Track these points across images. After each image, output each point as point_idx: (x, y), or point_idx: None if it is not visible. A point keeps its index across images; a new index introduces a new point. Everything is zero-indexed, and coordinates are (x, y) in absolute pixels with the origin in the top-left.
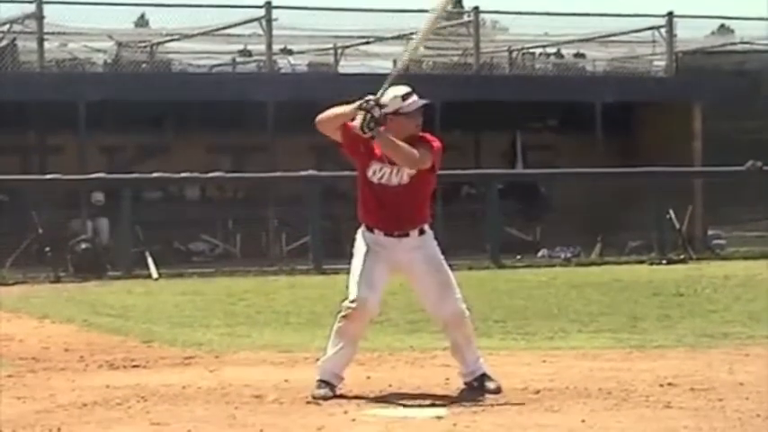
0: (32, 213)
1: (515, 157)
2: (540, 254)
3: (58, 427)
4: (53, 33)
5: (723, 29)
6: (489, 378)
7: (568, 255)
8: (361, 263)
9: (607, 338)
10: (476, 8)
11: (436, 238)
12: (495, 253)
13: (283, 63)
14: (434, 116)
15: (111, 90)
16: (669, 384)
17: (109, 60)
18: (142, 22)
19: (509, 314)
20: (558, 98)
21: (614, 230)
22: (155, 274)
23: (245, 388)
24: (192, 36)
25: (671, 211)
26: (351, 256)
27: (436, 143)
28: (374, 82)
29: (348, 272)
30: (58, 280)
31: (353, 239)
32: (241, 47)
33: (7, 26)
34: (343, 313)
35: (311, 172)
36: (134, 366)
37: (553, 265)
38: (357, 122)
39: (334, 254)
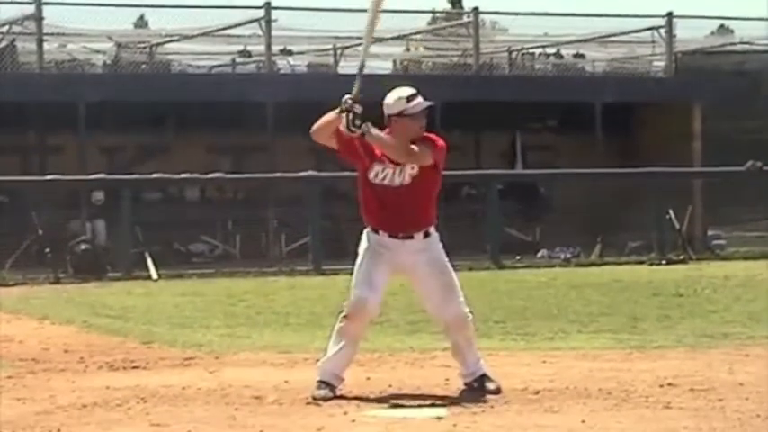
0: (32, 214)
1: (515, 158)
2: (539, 254)
3: (57, 429)
4: (52, 34)
5: (723, 29)
6: (489, 378)
7: (568, 255)
8: (364, 263)
9: (607, 339)
10: (475, 9)
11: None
12: (494, 253)
13: (283, 64)
14: (434, 117)
15: (111, 91)
16: (669, 385)
17: (108, 61)
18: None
19: (509, 315)
20: (558, 98)
21: (614, 231)
22: (154, 275)
23: (244, 389)
24: (192, 37)
25: (671, 212)
26: (350, 262)
27: (440, 142)
28: (373, 82)
29: (349, 272)
30: (57, 281)
31: (355, 240)
32: (241, 47)
33: (6, 27)
34: (344, 313)
35: (311, 173)
36: (134, 367)
37: (553, 266)
38: (342, 125)
39: (334, 254)
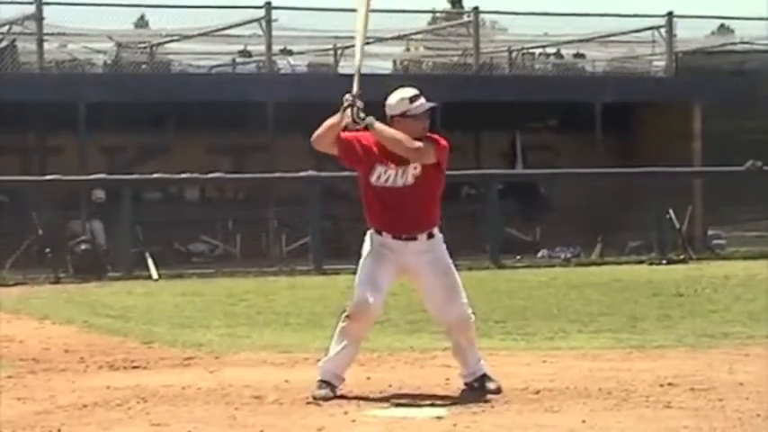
0: (32, 214)
1: (515, 158)
2: (539, 254)
3: (58, 429)
4: (53, 34)
5: (723, 29)
6: (489, 378)
7: (568, 255)
8: (367, 264)
9: (607, 339)
10: (475, 8)
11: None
12: (495, 253)
13: (283, 64)
14: (435, 116)
15: (111, 91)
16: (669, 384)
17: (109, 61)
18: (142, 22)
19: (509, 314)
20: (558, 98)
21: (614, 230)
22: (155, 275)
23: (245, 389)
24: (192, 37)
25: (671, 211)
26: (350, 262)
27: (443, 141)
28: (373, 82)
29: (350, 272)
30: (58, 281)
31: (355, 240)
32: (241, 47)
33: (7, 27)
34: (346, 313)
35: (311, 172)
36: (134, 367)
37: (553, 266)
38: (347, 120)
39: (335, 254)
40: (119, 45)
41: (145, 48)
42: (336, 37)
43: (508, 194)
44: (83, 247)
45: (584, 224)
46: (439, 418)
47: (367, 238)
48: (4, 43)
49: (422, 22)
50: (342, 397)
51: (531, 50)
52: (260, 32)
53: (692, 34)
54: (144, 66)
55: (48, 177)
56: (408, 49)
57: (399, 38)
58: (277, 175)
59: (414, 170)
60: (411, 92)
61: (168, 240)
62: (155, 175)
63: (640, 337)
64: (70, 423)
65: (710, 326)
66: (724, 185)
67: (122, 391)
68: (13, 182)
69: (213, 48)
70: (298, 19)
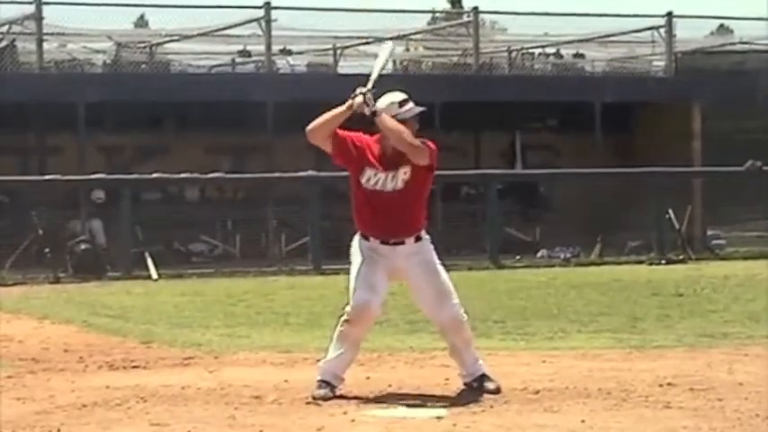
0: (32, 214)
1: (515, 158)
2: (539, 254)
3: (57, 428)
4: (52, 34)
5: (722, 29)
6: (488, 378)
7: (568, 255)
8: (362, 268)
9: (607, 338)
10: (475, 8)
11: (435, 241)
12: (494, 253)
13: (282, 63)
14: (434, 116)
15: (111, 91)
16: (669, 384)
17: (108, 61)
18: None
19: (508, 314)
20: (558, 98)
21: (614, 230)
22: (154, 275)
23: (244, 388)
24: (192, 37)
25: (670, 212)
26: (349, 262)
27: (432, 144)
28: (373, 82)
29: (347, 275)
30: (57, 281)
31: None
32: (240, 47)
33: (6, 27)
34: (345, 317)
35: (311, 172)
36: (133, 367)
37: (553, 266)
38: (359, 101)
39: (334, 254)
40: (118, 45)
41: (144, 48)
42: (336, 37)
43: (508, 194)
44: (82, 246)
45: (584, 224)
46: (438, 418)
47: (355, 243)
48: (4, 43)
49: (421, 22)
50: (341, 397)
51: (530, 50)
52: (259, 32)
53: (691, 34)
54: (143, 66)
55: (47, 177)
56: (408, 49)
57: (399, 38)
58: (276, 175)
59: (404, 175)
60: (400, 96)
61: (168, 240)
62: (154, 175)
63: (640, 337)
64: (69, 423)
65: (710, 326)
66: (723, 185)
67: (122, 390)
68: (13, 182)
69: (213, 48)
70: (297, 19)
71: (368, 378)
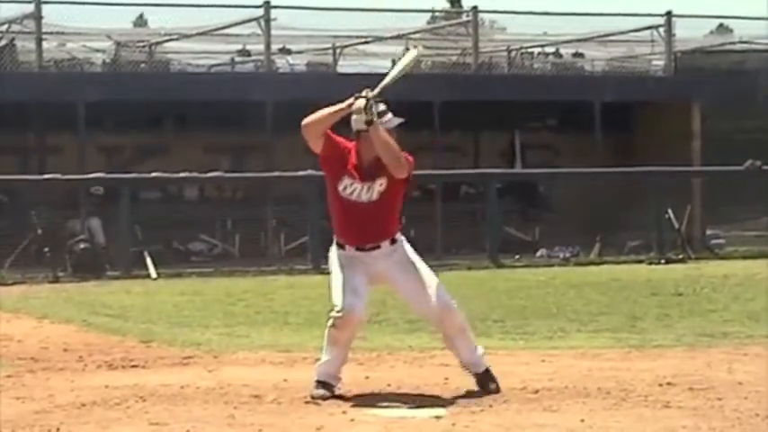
0: (31, 214)
1: (514, 157)
2: (538, 253)
3: (56, 428)
4: (52, 33)
5: (722, 28)
6: (492, 377)
7: (567, 254)
8: (343, 272)
9: (606, 338)
10: (474, 8)
11: (435, 240)
12: (493, 252)
13: (282, 63)
14: (433, 116)
15: (110, 90)
16: (668, 384)
17: (108, 60)
18: (141, 21)
19: (508, 314)
20: (557, 98)
21: (613, 230)
22: (153, 274)
23: (243, 388)
24: (191, 36)
25: (670, 211)
26: (328, 272)
27: (411, 157)
28: (373, 82)
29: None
30: (56, 280)
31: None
32: (240, 47)
33: (6, 26)
34: (331, 323)
35: (310, 172)
36: (133, 366)
37: (552, 265)
38: (360, 104)
39: None
40: (118, 44)
41: (144, 47)
42: (335, 36)
43: (507, 194)
44: (82, 246)
45: (584, 224)
46: (438, 417)
47: (332, 253)
48: (3, 42)
49: (421, 21)
50: (340, 396)
51: (530, 50)
52: (259, 32)
53: (691, 34)
54: (143, 65)
55: (46, 176)
56: (407, 49)
57: (398, 37)
58: (276, 174)
59: (380, 186)
60: (380, 106)
61: (167, 239)
62: (154, 175)
63: (639, 337)
64: (69, 422)
65: (709, 325)
66: (723, 185)
67: (121, 390)
68: (12, 181)
69: (212, 47)
70: (297, 18)
71: (367, 377)
